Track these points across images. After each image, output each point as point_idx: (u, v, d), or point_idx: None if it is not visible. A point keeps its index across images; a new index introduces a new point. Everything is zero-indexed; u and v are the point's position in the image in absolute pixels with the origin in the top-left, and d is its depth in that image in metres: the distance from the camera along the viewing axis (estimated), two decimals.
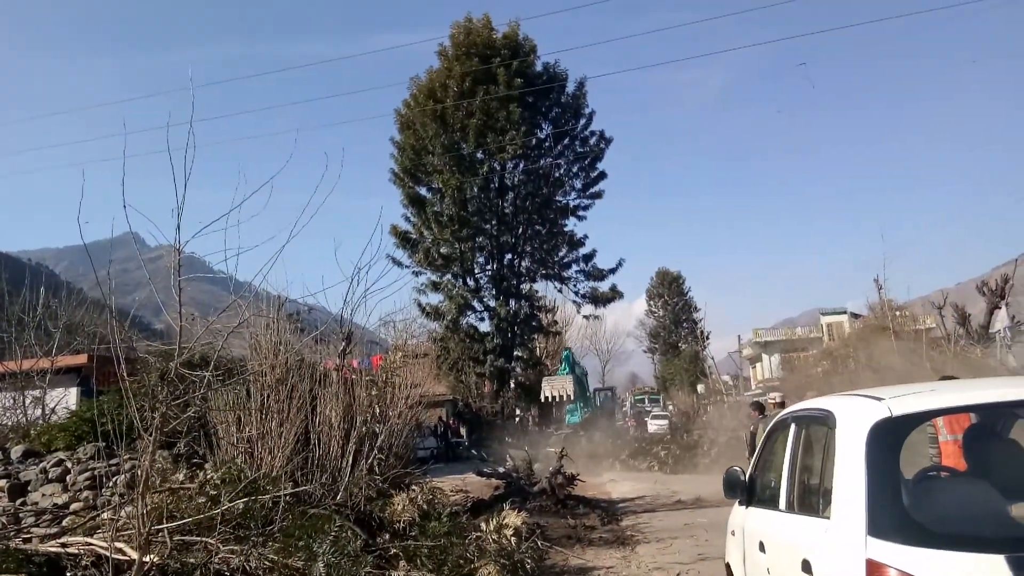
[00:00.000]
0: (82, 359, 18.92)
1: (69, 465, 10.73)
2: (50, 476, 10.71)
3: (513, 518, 8.31)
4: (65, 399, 17.28)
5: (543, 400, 37.05)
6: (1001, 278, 22.32)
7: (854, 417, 3.32)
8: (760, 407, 11.58)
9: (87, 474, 10.35)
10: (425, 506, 8.17)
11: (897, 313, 23.92)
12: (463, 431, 30.38)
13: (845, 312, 54.50)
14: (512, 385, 40.71)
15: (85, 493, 10.17)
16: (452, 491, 13.16)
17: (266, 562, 5.76)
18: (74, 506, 9.87)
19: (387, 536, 7.47)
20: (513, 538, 7.83)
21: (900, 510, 2.92)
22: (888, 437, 3.11)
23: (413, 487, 9.11)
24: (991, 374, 17.34)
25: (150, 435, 5.32)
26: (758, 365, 63.65)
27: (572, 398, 39.01)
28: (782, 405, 11.41)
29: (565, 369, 40.20)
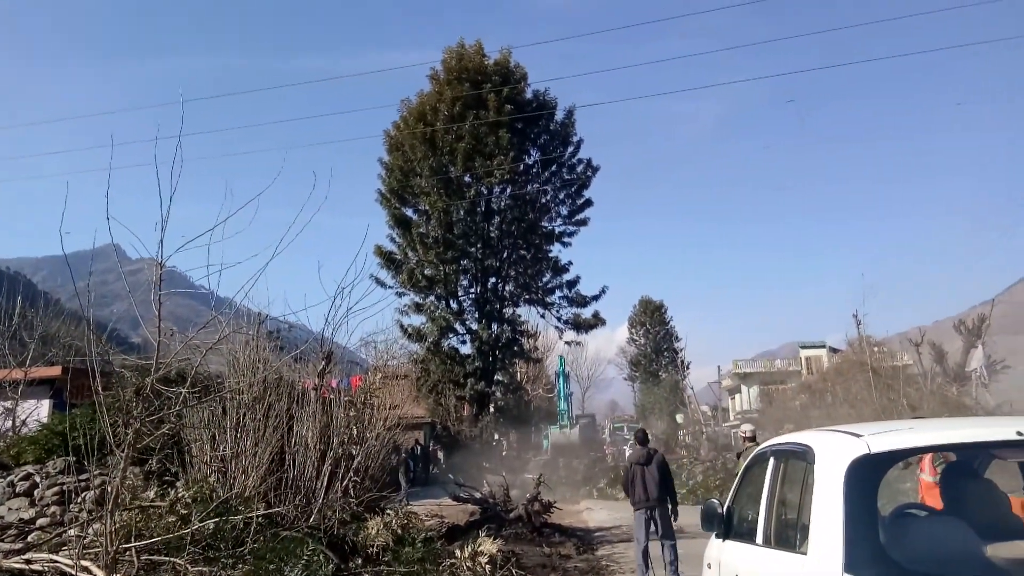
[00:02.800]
0: (56, 371, 18.62)
1: (37, 479, 10.51)
2: (17, 490, 10.48)
3: (488, 545, 8.22)
4: (37, 411, 16.97)
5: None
6: (978, 318, 22.62)
7: (833, 453, 3.33)
8: (753, 437, 11.58)
9: (55, 489, 10.14)
10: (399, 531, 8.07)
11: (875, 349, 24.09)
12: (440, 455, 30.09)
13: (824, 346, 54.90)
14: (492, 409, 40.51)
15: (53, 508, 9.96)
16: (427, 516, 13.02)
17: None
18: (40, 521, 9.66)
19: (360, 561, 7.36)
20: (488, 566, 7.74)
21: (877, 547, 2.91)
22: (866, 474, 3.11)
23: (388, 511, 9.00)
24: (967, 412, 17.50)
25: (122, 451, 5.23)
26: (737, 396, 63.84)
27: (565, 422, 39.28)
28: (752, 439, 11.41)
29: (562, 409, 40.45)
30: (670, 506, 10.13)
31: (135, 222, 5.52)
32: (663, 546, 9.89)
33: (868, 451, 3.14)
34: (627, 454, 13.59)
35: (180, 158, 5.33)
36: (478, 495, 15.87)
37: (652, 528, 10.00)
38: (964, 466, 3.95)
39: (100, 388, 5.48)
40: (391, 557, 7.37)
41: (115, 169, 5.44)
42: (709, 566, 5.26)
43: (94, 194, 5.27)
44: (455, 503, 15.99)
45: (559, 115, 38.01)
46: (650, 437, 12.30)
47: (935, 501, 6.12)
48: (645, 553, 9.92)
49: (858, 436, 3.29)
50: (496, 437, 41.29)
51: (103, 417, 5.49)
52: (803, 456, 3.70)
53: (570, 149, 38.31)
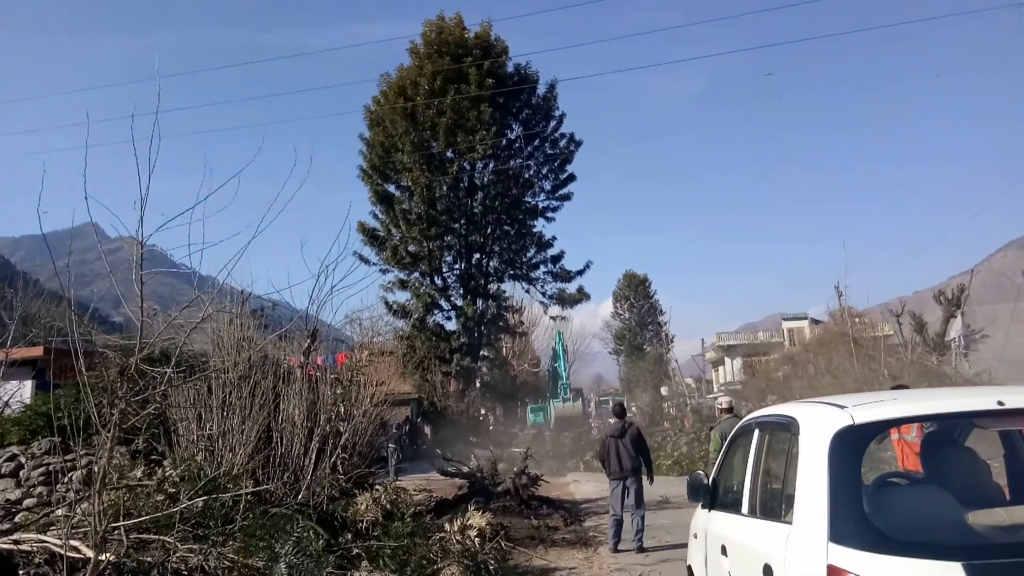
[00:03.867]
0: (38, 351, 18.41)
1: (23, 460, 10.46)
2: (3, 471, 10.43)
3: (477, 518, 8.29)
4: (20, 392, 16.80)
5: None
6: (957, 288, 22.91)
7: (817, 424, 3.37)
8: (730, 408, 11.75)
9: (41, 469, 10.10)
10: (389, 506, 8.11)
11: (856, 320, 24.35)
12: (427, 429, 30.20)
13: (806, 318, 55.41)
14: (478, 384, 40.68)
15: (39, 489, 9.93)
16: (416, 490, 13.10)
17: (226, 562, 5.67)
18: (27, 502, 9.63)
19: (350, 536, 7.40)
20: (477, 539, 7.81)
21: (861, 517, 2.96)
22: (850, 445, 3.16)
23: (377, 486, 9.04)
24: (947, 381, 17.77)
25: (108, 431, 5.20)
26: (720, 368, 64.42)
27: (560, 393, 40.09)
28: (730, 410, 11.55)
29: (564, 383, 41.01)
30: (645, 476, 10.32)
31: (114, 201, 5.45)
32: (632, 516, 10.11)
33: (852, 422, 3.19)
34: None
35: (158, 135, 5.23)
36: (466, 469, 15.98)
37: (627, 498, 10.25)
38: (945, 435, 4.02)
39: (83, 368, 5.43)
40: (381, 532, 7.42)
41: (93, 147, 5.36)
42: (695, 536, 5.35)
43: (72, 172, 5.19)
44: (443, 478, 16.08)
45: (541, 89, 37.89)
46: (629, 410, 12.48)
47: (912, 463, 6.24)
48: (619, 522, 10.21)
49: (842, 407, 3.33)
50: (483, 412, 41.58)
51: (87, 397, 5.45)
52: (788, 428, 3.75)
53: (552, 123, 38.21)
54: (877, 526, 2.94)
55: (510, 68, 37.14)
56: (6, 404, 16.10)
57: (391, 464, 19.06)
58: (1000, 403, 3.18)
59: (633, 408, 49.27)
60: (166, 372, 5.55)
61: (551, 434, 33.57)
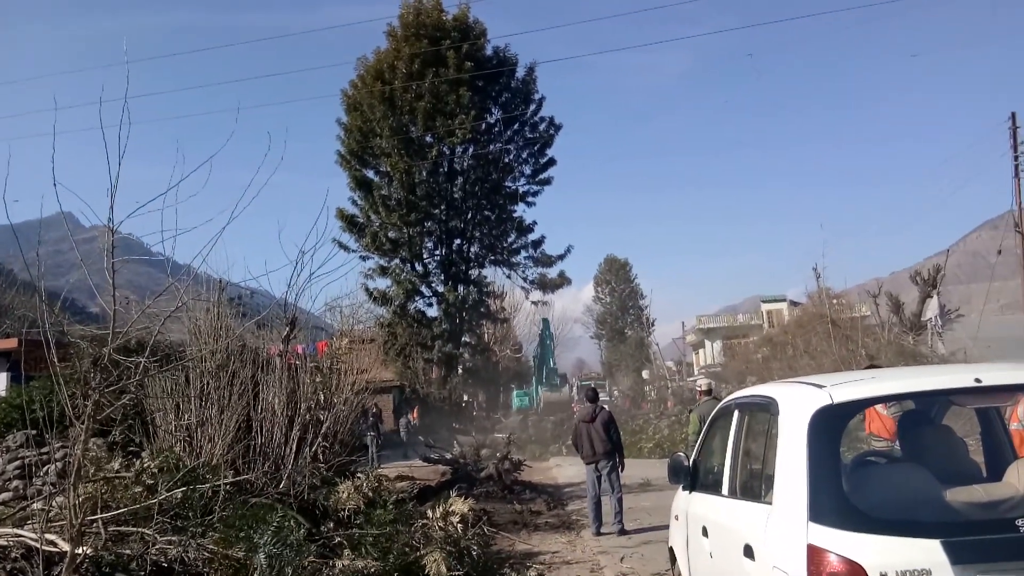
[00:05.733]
0: (12, 343, 18.15)
1: None
2: None
3: (460, 505, 8.29)
4: None
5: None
6: (933, 268, 23.18)
7: (796, 404, 3.37)
8: (709, 391, 11.83)
9: (17, 463, 9.98)
10: (371, 494, 8.09)
11: (834, 301, 24.57)
12: (411, 418, 30.13)
13: (785, 300, 55.90)
14: (460, 371, 40.67)
15: (15, 483, 9.82)
16: (398, 478, 13.09)
17: (205, 553, 5.62)
18: (3, 496, 9.51)
19: (331, 525, 7.37)
20: (459, 525, 7.81)
21: (840, 496, 2.97)
22: (829, 424, 3.16)
23: (359, 475, 9.01)
24: (923, 361, 18.00)
25: (82, 423, 5.12)
26: (701, 351, 64.87)
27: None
28: (709, 392, 11.63)
29: (553, 368, 41.76)
30: (617, 460, 10.43)
31: (88, 190, 5.34)
32: (611, 499, 10.28)
33: (831, 401, 3.19)
34: None
35: (128, 120, 5.12)
36: (448, 456, 15.99)
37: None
38: (923, 414, 4.05)
39: (56, 359, 5.34)
40: (363, 520, 7.39)
41: (63, 134, 5.21)
42: (676, 518, 5.37)
43: (43, 160, 5.05)
44: (426, 464, 16.09)
45: (520, 72, 37.66)
46: (611, 394, 12.59)
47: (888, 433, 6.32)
48: (597, 504, 10.32)
49: (820, 387, 3.34)
50: (465, 398, 41.65)
51: (61, 389, 5.36)
52: (767, 408, 3.75)
53: (532, 107, 38.03)
54: (856, 505, 2.96)
55: (489, 51, 36.89)
56: None
57: (372, 452, 19.02)
58: (977, 380, 3.19)
59: (615, 392, 49.62)
60: (141, 362, 5.46)
61: (536, 419, 33.93)
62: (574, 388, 55.89)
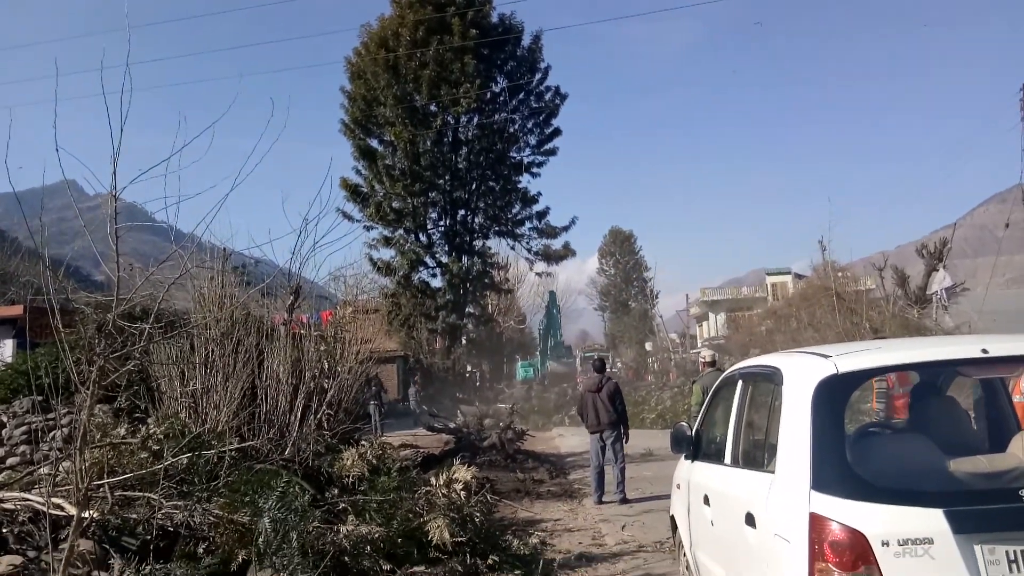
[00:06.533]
0: (17, 310, 18.23)
1: (4, 419, 10.39)
2: None
3: (463, 472, 8.35)
4: (1, 351, 16.68)
5: None
6: (939, 241, 22.99)
7: (801, 374, 3.36)
8: (713, 362, 11.85)
9: (23, 428, 10.04)
10: (375, 461, 8.15)
11: (839, 274, 24.47)
12: (413, 390, 30.29)
13: (789, 273, 55.83)
14: (464, 341, 40.79)
15: (22, 448, 9.89)
16: (402, 446, 13.19)
17: (211, 517, 5.68)
18: (10, 461, 9.60)
19: (336, 491, 7.43)
20: (463, 492, 7.87)
21: (843, 465, 2.97)
22: (834, 394, 3.15)
23: (363, 442, 9.07)
24: (927, 334, 17.96)
25: (88, 389, 5.13)
26: (704, 323, 64.95)
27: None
28: (712, 363, 11.64)
29: (560, 340, 42.61)
30: (622, 430, 10.50)
31: (92, 157, 5.30)
32: (614, 468, 10.35)
33: (836, 371, 3.17)
34: None
35: (130, 86, 5.05)
36: (452, 425, 16.09)
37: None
38: (928, 384, 4.03)
39: (61, 326, 5.34)
40: (367, 487, 7.45)
41: (65, 100, 5.17)
42: (678, 487, 5.39)
43: (47, 127, 5.01)
44: (430, 433, 16.21)
45: (526, 40, 37.21)
46: (615, 366, 12.66)
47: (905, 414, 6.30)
48: (600, 474, 10.41)
49: (826, 357, 3.32)
50: (469, 369, 41.84)
51: (66, 355, 5.37)
52: (771, 378, 3.74)
53: (538, 76, 37.64)
54: (859, 474, 2.95)
55: (494, 18, 36.44)
56: None
57: (375, 421, 19.13)
58: (984, 351, 3.17)
59: (618, 363, 49.80)
60: (145, 329, 5.47)
61: (540, 389, 34.31)
62: (578, 359, 56.21)
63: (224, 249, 9.37)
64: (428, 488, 7.91)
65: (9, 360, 13.90)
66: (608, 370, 12.69)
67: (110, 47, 5.57)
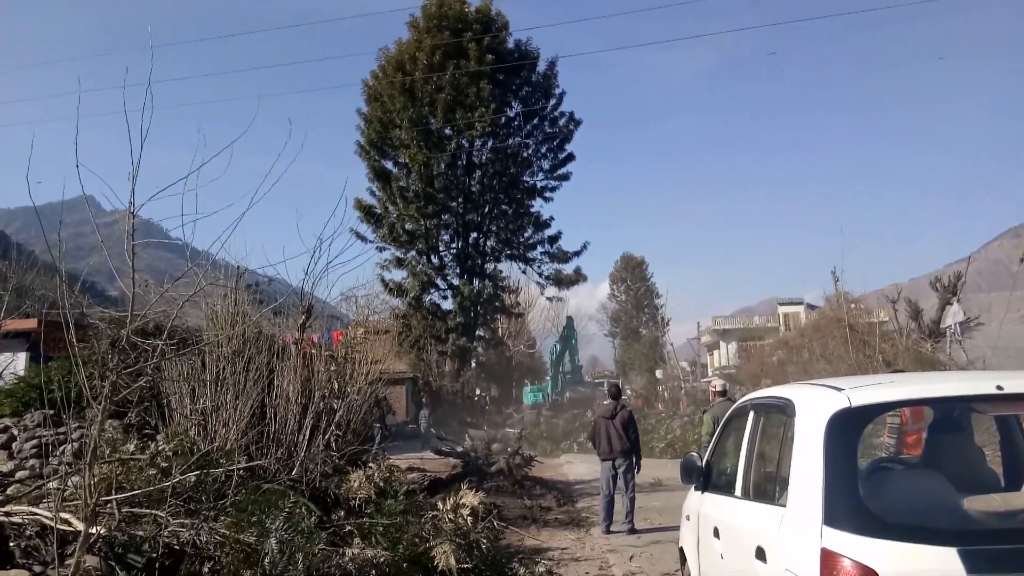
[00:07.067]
0: (32, 323, 18.34)
1: (15, 432, 10.44)
2: None
3: (470, 498, 8.29)
4: (13, 364, 16.74)
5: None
6: (954, 275, 22.82)
7: (813, 406, 3.34)
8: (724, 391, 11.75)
9: (34, 442, 10.08)
10: (382, 483, 8.11)
11: (852, 306, 24.31)
12: (425, 410, 30.19)
13: (802, 303, 55.53)
14: (473, 364, 40.70)
15: (32, 461, 9.91)
16: (409, 469, 13.13)
17: (217, 536, 5.66)
18: (20, 474, 9.61)
19: (342, 513, 7.40)
20: (469, 518, 7.81)
21: (856, 500, 2.94)
22: (847, 427, 3.13)
23: (370, 464, 9.03)
24: (941, 368, 17.80)
25: (99, 404, 5.16)
26: (716, 352, 64.56)
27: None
28: (723, 393, 11.55)
29: (578, 365, 43.11)
30: (633, 459, 10.42)
31: (110, 173, 5.37)
32: (623, 497, 10.28)
33: (849, 405, 3.15)
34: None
35: (151, 105, 5.14)
36: (460, 449, 16.02)
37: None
38: (942, 420, 3.99)
39: (75, 340, 5.38)
40: (374, 509, 7.41)
41: (87, 117, 5.27)
42: (688, 518, 5.34)
43: (66, 143, 5.09)
44: (437, 457, 16.14)
45: (541, 66, 37.49)
46: (624, 393, 12.57)
47: (918, 450, 6.22)
48: (610, 502, 10.32)
49: (839, 390, 3.30)
50: (478, 392, 41.72)
51: (79, 370, 5.40)
52: (783, 410, 3.72)
53: (552, 101, 37.87)
54: (872, 510, 2.92)
55: (511, 44, 36.77)
56: None
57: (376, 440, 19.06)
58: (999, 387, 3.14)
59: (628, 391, 49.53)
60: (158, 345, 5.50)
61: (547, 415, 34.27)
62: (605, 385, 56.20)
63: (238, 267, 9.45)
64: (435, 512, 7.85)
65: (22, 373, 13.98)
66: (623, 397, 12.63)
67: (133, 66, 5.67)
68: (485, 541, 7.25)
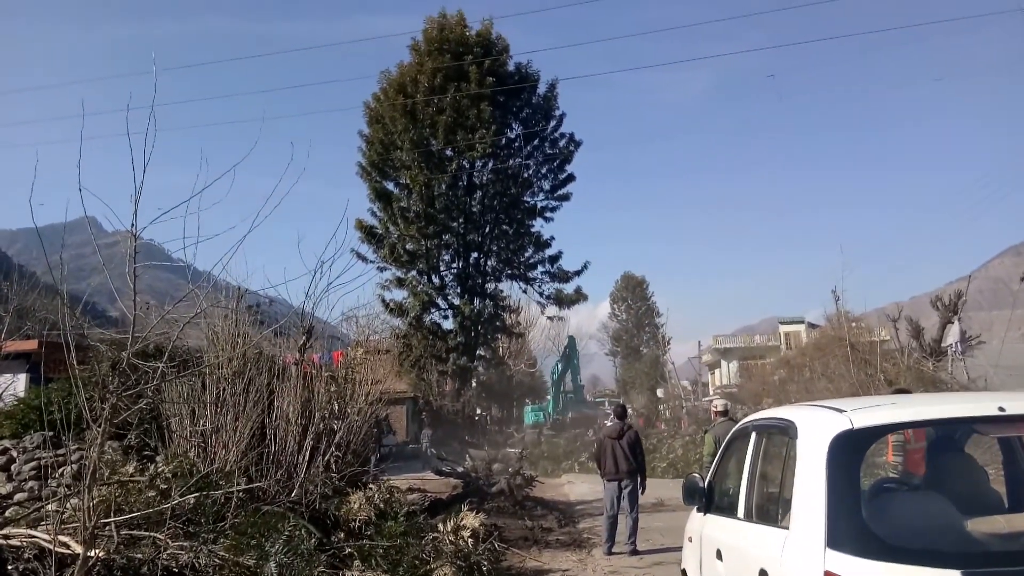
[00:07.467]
0: (32, 345, 18.31)
1: (14, 454, 10.40)
2: None
3: (471, 519, 8.25)
4: (13, 385, 16.71)
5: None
6: (955, 294, 22.82)
7: (816, 428, 3.33)
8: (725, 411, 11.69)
9: (33, 464, 10.04)
10: (382, 505, 8.07)
11: (853, 325, 24.28)
12: (426, 433, 30.10)
13: (803, 322, 55.47)
14: (474, 384, 40.62)
15: (30, 483, 9.87)
16: (409, 489, 13.06)
17: (216, 559, 5.62)
18: (18, 496, 9.56)
19: (342, 535, 7.35)
20: (470, 539, 7.77)
21: (859, 522, 2.92)
22: (849, 449, 3.12)
23: (370, 486, 8.99)
24: (943, 387, 17.75)
25: (99, 426, 5.15)
26: (717, 371, 64.39)
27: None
28: (724, 413, 11.50)
29: (580, 384, 43.16)
30: (639, 480, 10.35)
31: (111, 194, 5.40)
32: (627, 518, 10.22)
33: (851, 427, 3.15)
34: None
35: (154, 127, 5.19)
36: (460, 469, 15.94)
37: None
38: (944, 441, 3.98)
39: (76, 362, 5.38)
40: (374, 531, 7.37)
41: (89, 139, 5.29)
42: (690, 539, 5.30)
43: (69, 165, 5.13)
44: (437, 477, 16.05)
45: (541, 88, 37.78)
46: (629, 413, 12.50)
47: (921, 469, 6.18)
48: (613, 523, 10.25)
49: (841, 411, 3.29)
50: (478, 412, 41.63)
51: (79, 391, 5.40)
52: (785, 431, 3.71)
53: (552, 123, 38.10)
54: (875, 532, 2.90)
55: (511, 67, 37.06)
56: None
57: (371, 464, 19.00)
58: (1001, 409, 3.14)
59: (629, 410, 49.42)
60: (159, 367, 5.50)
61: (548, 434, 34.19)
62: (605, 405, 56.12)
63: (239, 288, 9.46)
64: (435, 534, 7.81)
65: (22, 395, 13.94)
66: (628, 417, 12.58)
67: (137, 89, 5.71)
68: (486, 563, 7.21)
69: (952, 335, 21.67)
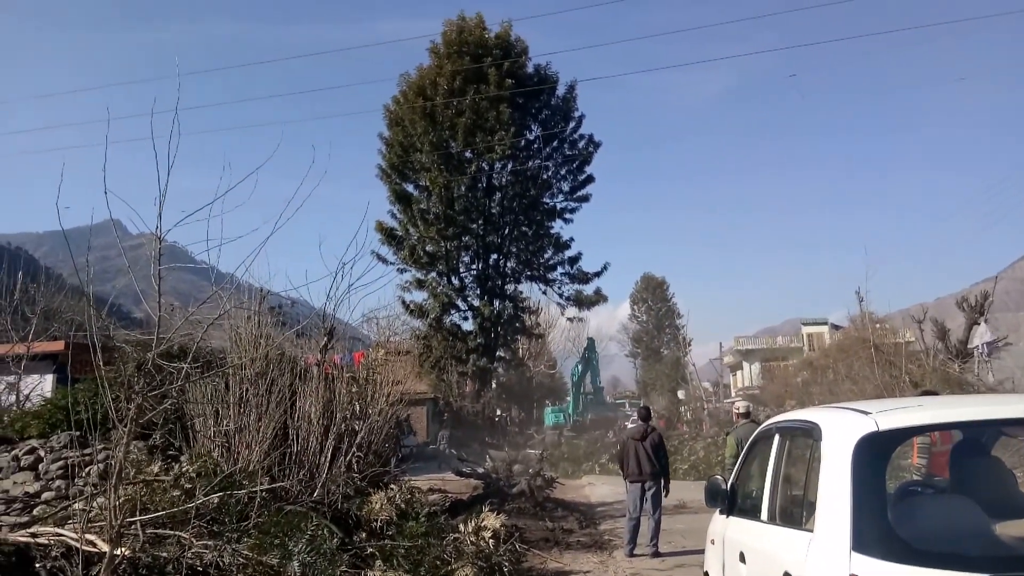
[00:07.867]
0: (59, 346, 18.63)
1: (42, 453, 10.56)
2: (22, 464, 10.53)
3: (492, 520, 8.25)
4: (40, 386, 17.02)
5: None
6: (981, 295, 22.48)
7: (840, 430, 3.29)
8: (747, 413, 11.60)
9: (60, 463, 10.19)
10: (403, 505, 8.09)
11: (877, 326, 24.01)
12: (446, 430, 30.19)
13: (826, 323, 54.93)
14: (494, 385, 40.66)
15: (57, 482, 10.01)
16: (431, 490, 13.10)
17: (240, 558, 5.67)
18: (46, 495, 9.71)
19: (364, 535, 7.39)
20: (491, 540, 7.77)
21: (885, 526, 2.89)
22: (874, 452, 3.08)
23: (392, 486, 9.03)
24: (969, 389, 17.50)
25: (125, 426, 5.22)
26: (739, 373, 63.93)
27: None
28: (747, 415, 11.42)
29: (600, 386, 43.55)
30: (662, 482, 10.29)
31: (135, 197, 5.47)
32: (649, 520, 10.15)
33: (876, 429, 3.11)
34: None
35: (178, 131, 5.26)
36: (481, 470, 15.96)
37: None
38: (972, 444, 3.92)
39: (102, 363, 5.46)
40: (395, 531, 7.40)
41: (114, 143, 5.37)
42: (712, 542, 5.27)
43: (95, 168, 5.20)
44: (458, 478, 16.08)
45: (560, 90, 37.76)
46: (652, 414, 12.41)
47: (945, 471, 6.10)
48: (636, 525, 10.19)
49: (866, 413, 3.25)
50: (498, 413, 41.68)
51: (105, 392, 5.47)
52: (809, 433, 3.67)
53: (571, 124, 38.07)
54: (901, 536, 2.87)
55: (530, 69, 37.09)
56: (27, 397, 16.27)
57: (392, 464, 19.09)
58: None
59: (652, 413, 49.29)
60: (183, 367, 5.56)
61: (569, 436, 34.22)
62: (626, 406, 55.87)
63: (262, 290, 9.54)
64: (456, 535, 7.82)
65: (49, 395, 14.16)
66: (633, 419, 12.56)
67: (161, 94, 5.78)
68: (507, 564, 7.21)
69: (978, 337, 21.33)
